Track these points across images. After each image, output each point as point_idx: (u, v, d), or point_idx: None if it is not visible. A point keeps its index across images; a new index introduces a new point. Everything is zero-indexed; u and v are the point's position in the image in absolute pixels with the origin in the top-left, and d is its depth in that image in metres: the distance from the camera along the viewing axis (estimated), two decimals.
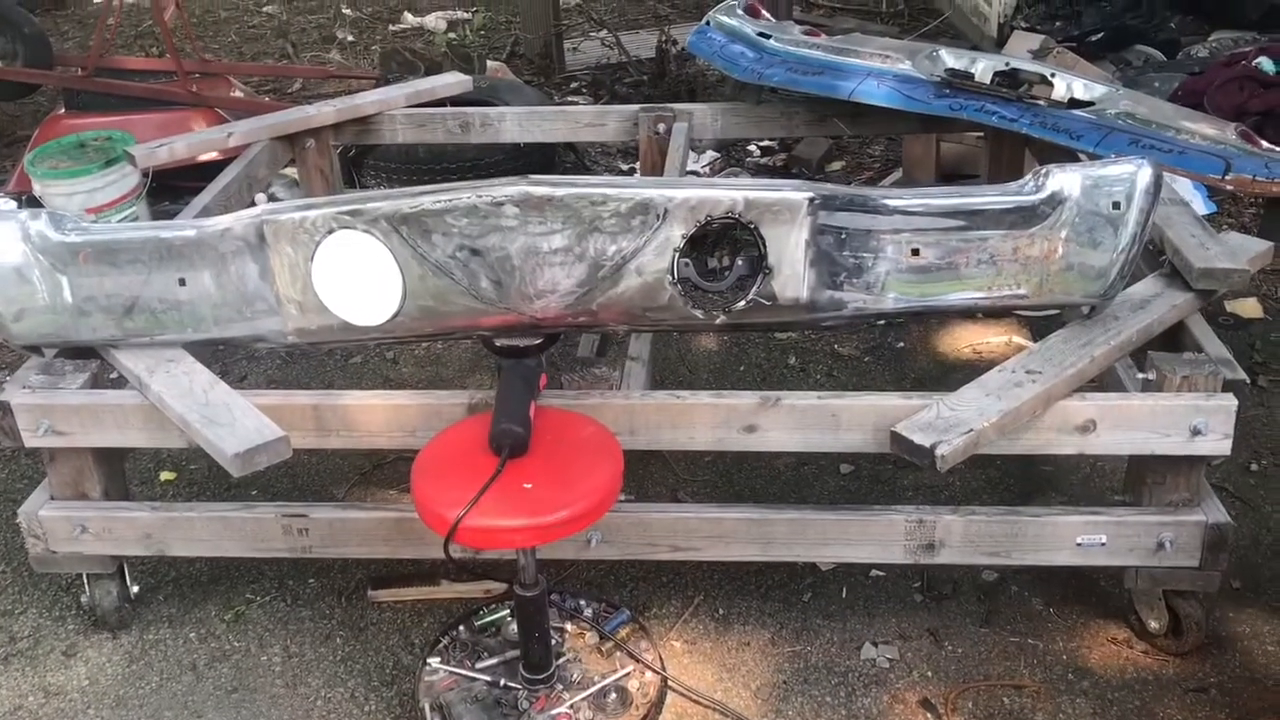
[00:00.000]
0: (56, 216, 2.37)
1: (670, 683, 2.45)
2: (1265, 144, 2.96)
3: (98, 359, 2.50)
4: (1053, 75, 3.32)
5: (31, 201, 4.26)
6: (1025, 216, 2.25)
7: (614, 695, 2.36)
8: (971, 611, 2.63)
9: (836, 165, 5.08)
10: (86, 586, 2.64)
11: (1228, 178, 2.85)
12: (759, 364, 3.65)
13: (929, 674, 2.47)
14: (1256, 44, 5.12)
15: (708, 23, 3.83)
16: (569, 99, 5.94)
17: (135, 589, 2.71)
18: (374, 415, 2.39)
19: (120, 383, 2.48)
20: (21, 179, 4.55)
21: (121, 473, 2.64)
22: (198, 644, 2.64)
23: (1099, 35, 5.72)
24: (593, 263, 2.24)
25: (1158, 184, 2.26)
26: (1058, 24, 5.88)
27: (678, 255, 2.24)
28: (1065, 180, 2.24)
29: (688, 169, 4.09)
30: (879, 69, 3.36)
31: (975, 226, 2.26)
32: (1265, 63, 4.59)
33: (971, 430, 2.11)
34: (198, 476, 3.21)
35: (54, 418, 2.39)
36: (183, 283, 2.36)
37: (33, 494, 2.55)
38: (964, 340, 3.71)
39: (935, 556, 2.41)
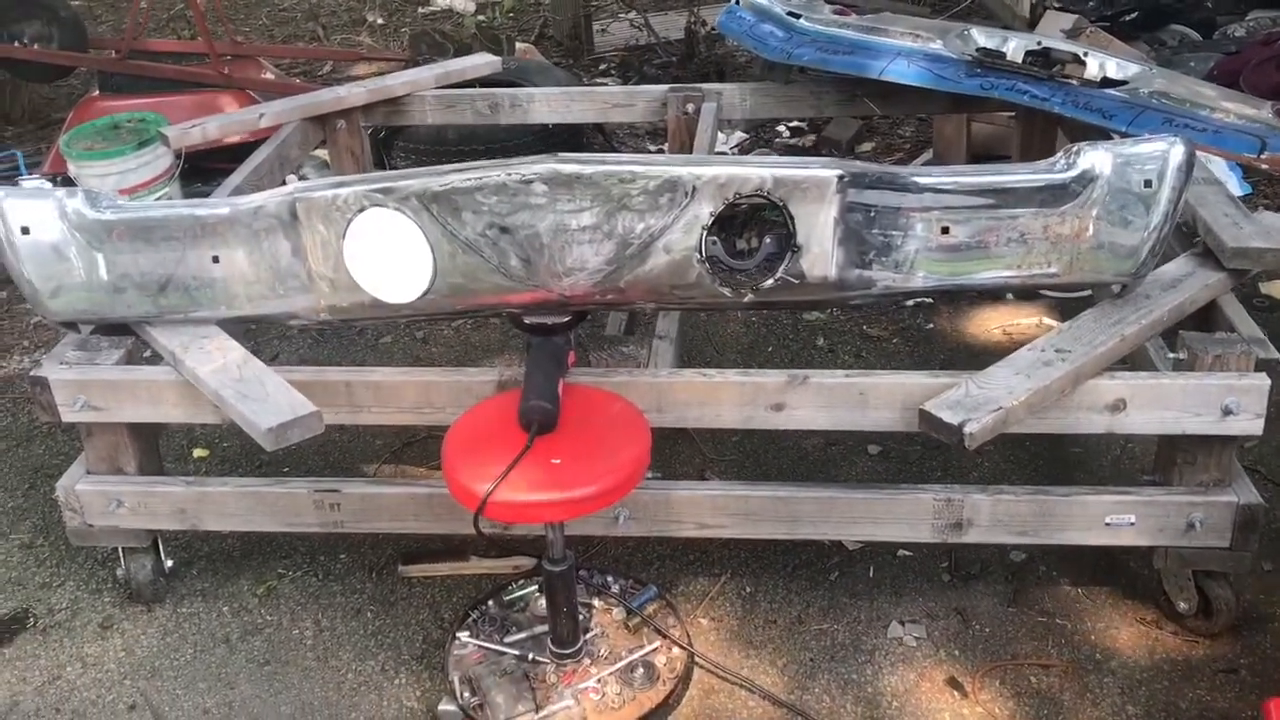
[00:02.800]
0: (92, 194, 2.40)
1: (697, 659, 2.46)
2: None
3: (133, 335, 2.53)
4: (1085, 54, 3.30)
5: (66, 182, 4.31)
6: (1056, 194, 2.24)
7: (641, 670, 2.37)
8: (999, 591, 2.63)
9: (867, 146, 5.06)
10: (122, 560, 2.68)
11: (1263, 156, 2.82)
12: (787, 345, 3.65)
13: (956, 653, 2.48)
14: None
15: (737, 2, 3.81)
16: (598, 80, 5.93)
17: (169, 563, 2.75)
18: (405, 392, 2.41)
19: (155, 359, 2.51)
20: (56, 160, 4.61)
21: (156, 448, 2.68)
22: (231, 618, 2.67)
23: (1133, 15, 5.64)
24: (621, 240, 2.25)
25: (1190, 162, 2.24)
26: (1091, 3, 5.80)
27: (706, 233, 2.25)
28: (1096, 158, 2.23)
29: (716, 150, 4.08)
30: (909, 48, 3.34)
31: (1005, 204, 2.26)
32: None
33: (1000, 408, 2.11)
34: (230, 454, 3.25)
35: (90, 393, 2.43)
36: (216, 260, 2.39)
37: (70, 468, 2.60)
38: (994, 322, 3.69)
39: (963, 536, 2.41)
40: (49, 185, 2.41)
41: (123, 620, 2.69)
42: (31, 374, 2.45)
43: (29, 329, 4.03)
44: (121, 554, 2.67)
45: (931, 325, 3.71)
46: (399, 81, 3.81)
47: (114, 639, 2.63)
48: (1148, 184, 2.22)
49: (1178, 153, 2.22)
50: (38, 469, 3.24)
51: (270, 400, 2.24)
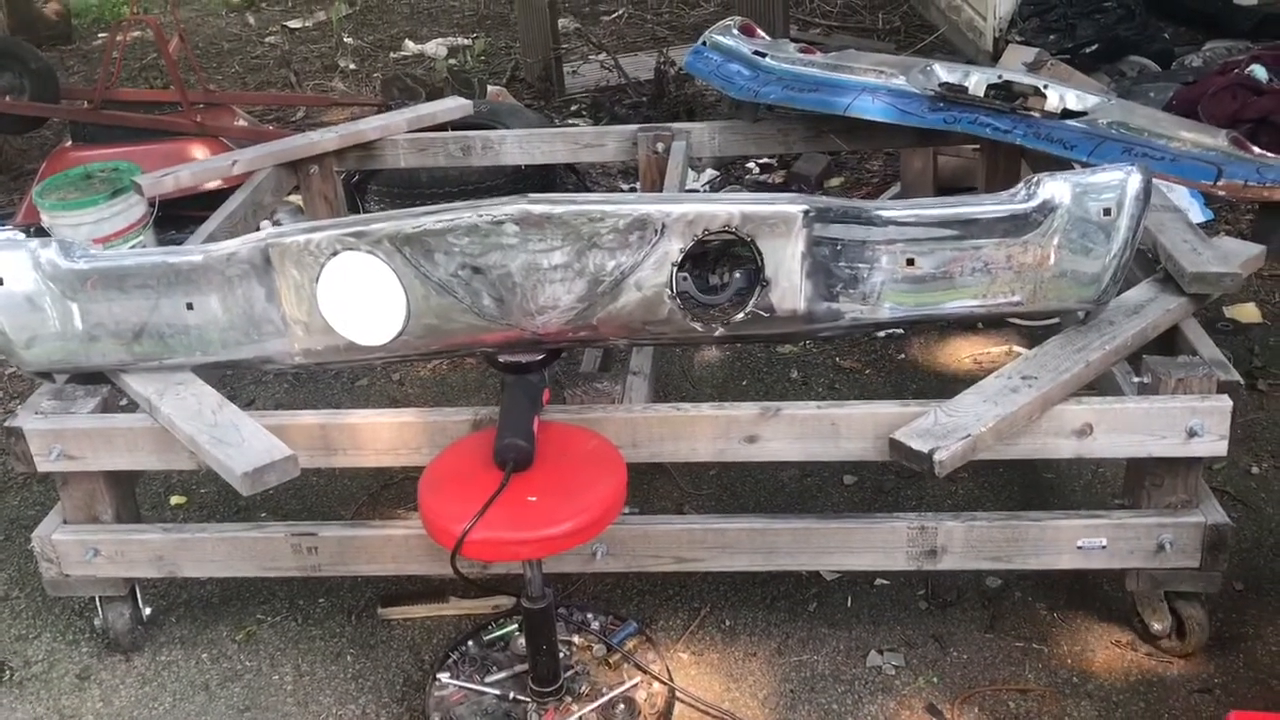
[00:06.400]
0: (66, 244, 2.42)
1: (678, 694, 2.46)
2: (1256, 149, 2.99)
3: (108, 384, 2.53)
4: (1046, 87, 3.36)
5: (39, 233, 4.31)
6: (1018, 224, 2.29)
7: (622, 707, 2.38)
8: (976, 618, 2.65)
9: (835, 181, 5.12)
10: (99, 609, 2.67)
11: (1219, 183, 2.88)
12: (761, 378, 3.68)
13: (935, 680, 2.49)
14: (1249, 52, 5.15)
15: (704, 43, 3.87)
16: (569, 121, 5.99)
17: (147, 611, 2.74)
18: (380, 433, 2.42)
19: (131, 407, 2.52)
20: (29, 211, 4.61)
21: (133, 495, 2.67)
22: (210, 664, 2.66)
23: (1093, 47, 5.75)
24: (592, 278, 2.28)
25: (1148, 190, 2.29)
26: (1052, 37, 5.91)
27: (676, 269, 2.28)
28: (1056, 188, 2.28)
29: (687, 188, 4.13)
30: (874, 84, 3.40)
31: (968, 235, 2.30)
32: (1258, 70, 4.62)
33: (969, 435, 2.14)
34: (208, 500, 3.24)
35: (66, 442, 2.43)
36: (190, 307, 2.40)
37: (46, 518, 2.59)
38: (964, 351, 3.73)
39: (937, 563, 2.43)
40: (22, 236, 2.42)
41: (100, 670, 2.67)
42: (6, 424, 2.45)
43: (3, 379, 4.02)
44: (99, 603, 2.66)
45: (903, 355, 3.75)
46: (371, 126, 3.84)
47: (92, 690, 2.62)
48: (1107, 212, 2.26)
49: (1135, 181, 2.27)
50: (13, 520, 3.22)
51: (246, 445, 2.25)
